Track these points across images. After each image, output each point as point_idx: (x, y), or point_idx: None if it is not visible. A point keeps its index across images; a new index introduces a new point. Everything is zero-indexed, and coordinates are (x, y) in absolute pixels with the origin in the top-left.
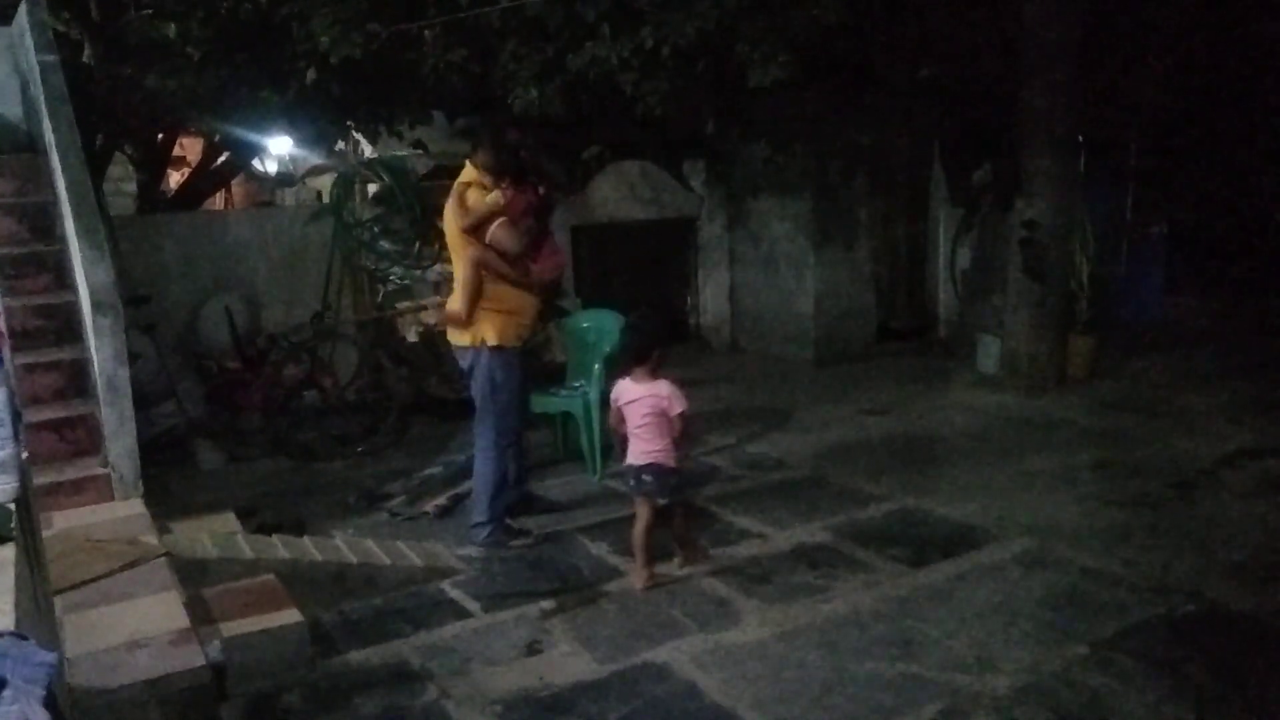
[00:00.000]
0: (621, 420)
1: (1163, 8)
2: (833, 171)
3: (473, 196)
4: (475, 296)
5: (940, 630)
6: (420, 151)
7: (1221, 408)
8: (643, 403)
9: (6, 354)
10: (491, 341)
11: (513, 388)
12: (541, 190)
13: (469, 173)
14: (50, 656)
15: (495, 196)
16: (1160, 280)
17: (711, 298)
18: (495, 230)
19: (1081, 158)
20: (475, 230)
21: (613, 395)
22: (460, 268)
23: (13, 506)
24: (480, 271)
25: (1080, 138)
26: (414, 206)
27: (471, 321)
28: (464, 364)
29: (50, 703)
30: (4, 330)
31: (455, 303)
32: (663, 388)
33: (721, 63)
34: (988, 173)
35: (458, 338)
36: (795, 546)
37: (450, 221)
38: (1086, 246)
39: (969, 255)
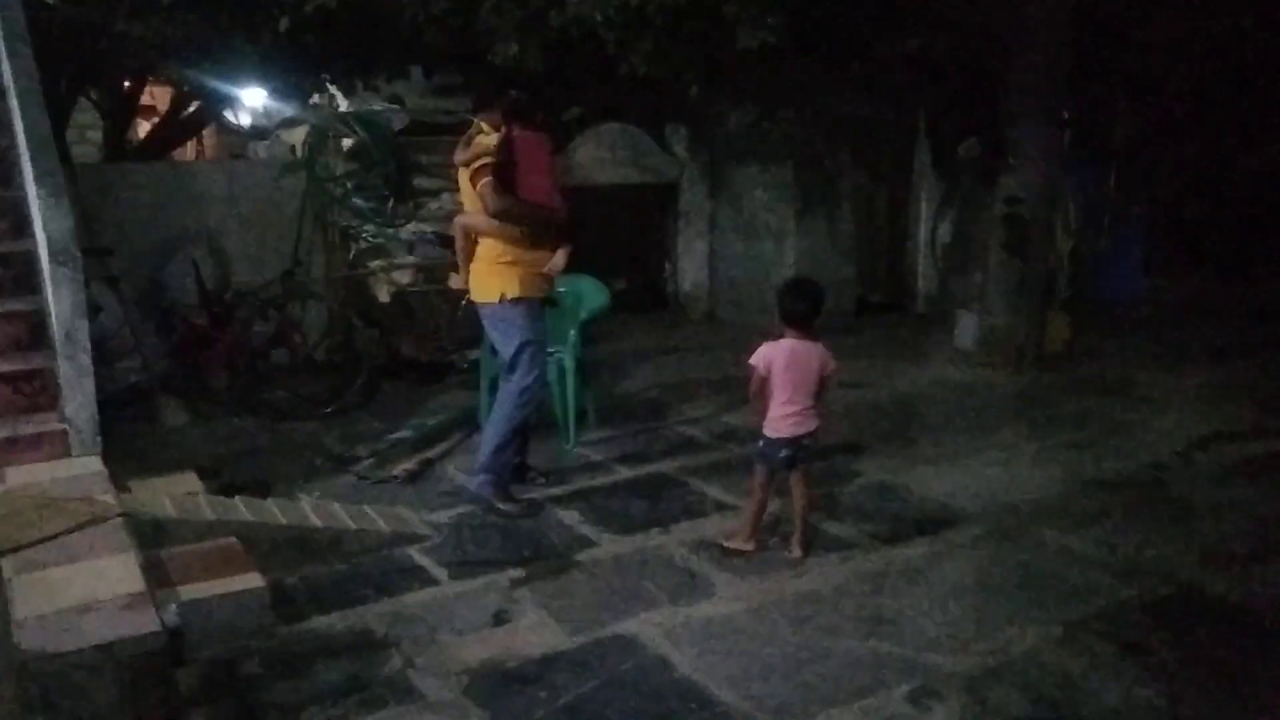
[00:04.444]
0: (765, 385)
1: None
2: (817, 141)
3: (480, 140)
4: (468, 256)
5: (914, 608)
6: (397, 107)
7: (1197, 389)
8: (812, 361)
9: None
10: (512, 294)
11: (539, 340)
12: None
13: (480, 130)
14: None
15: (490, 139)
16: (1140, 259)
17: (690, 265)
18: (483, 186)
19: (1066, 134)
20: (472, 176)
21: (766, 361)
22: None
23: None
24: (470, 234)
25: (1065, 114)
26: (389, 163)
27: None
28: (484, 320)
29: None
30: None
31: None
32: (820, 346)
33: (709, 23)
34: (974, 146)
35: (480, 294)
36: (769, 519)
37: (462, 173)
38: (1068, 224)
39: (950, 229)
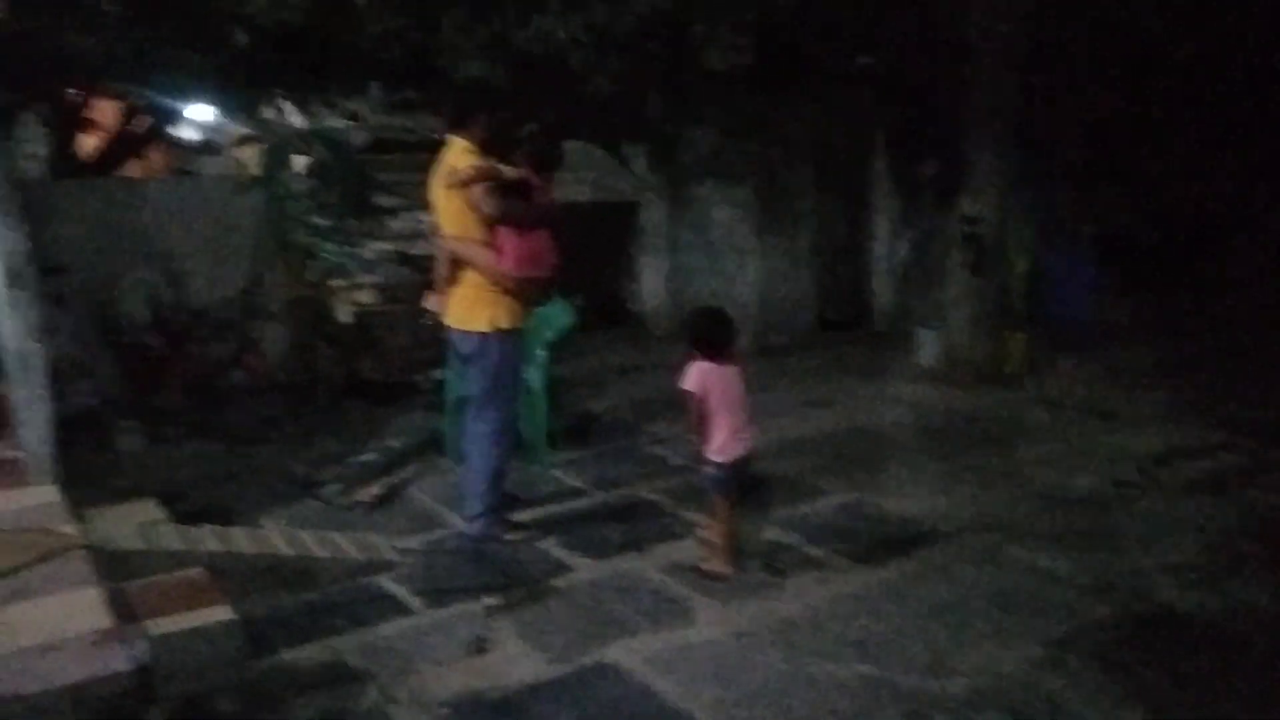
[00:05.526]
0: (704, 409)
1: (1109, 12)
2: (777, 160)
3: (468, 159)
4: (449, 280)
5: (896, 630)
6: (356, 123)
7: (1152, 406)
8: (738, 380)
9: None
10: (504, 325)
11: (519, 372)
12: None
13: (460, 148)
14: None
15: (511, 172)
16: (1090, 279)
17: (651, 283)
18: (478, 190)
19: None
20: (464, 187)
21: (697, 385)
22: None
23: None
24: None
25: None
26: (350, 180)
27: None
28: (466, 349)
29: None
30: None
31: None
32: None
33: (675, 44)
34: (933, 166)
35: (467, 322)
36: (746, 541)
37: (440, 193)
38: (1024, 244)
39: (908, 248)
